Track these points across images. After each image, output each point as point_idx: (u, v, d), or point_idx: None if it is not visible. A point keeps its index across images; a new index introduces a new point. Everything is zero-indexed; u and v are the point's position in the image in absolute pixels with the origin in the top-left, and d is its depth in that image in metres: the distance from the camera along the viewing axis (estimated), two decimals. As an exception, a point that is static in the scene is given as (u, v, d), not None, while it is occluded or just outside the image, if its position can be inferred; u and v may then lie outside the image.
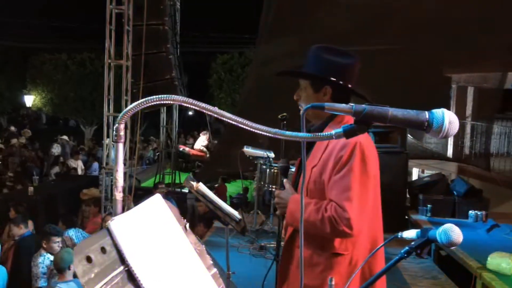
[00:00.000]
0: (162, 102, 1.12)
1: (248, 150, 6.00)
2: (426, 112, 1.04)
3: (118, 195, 1.09)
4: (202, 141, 16.17)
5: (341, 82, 2.06)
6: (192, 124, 24.09)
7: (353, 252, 2.05)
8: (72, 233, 5.88)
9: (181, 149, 13.93)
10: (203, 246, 1.30)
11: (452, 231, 1.42)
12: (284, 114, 3.85)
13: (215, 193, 3.21)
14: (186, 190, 9.80)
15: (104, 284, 0.96)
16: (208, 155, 14.97)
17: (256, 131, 1.10)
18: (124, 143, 1.10)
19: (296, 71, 2.26)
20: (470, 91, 11.14)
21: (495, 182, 8.93)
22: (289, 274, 2.17)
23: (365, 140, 2.00)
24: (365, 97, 2.09)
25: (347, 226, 1.90)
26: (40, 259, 4.80)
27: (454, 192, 6.38)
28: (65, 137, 18.29)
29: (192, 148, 16.19)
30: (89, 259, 0.95)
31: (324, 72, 2.09)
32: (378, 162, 2.09)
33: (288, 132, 1.13)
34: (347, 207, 1.90)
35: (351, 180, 1.94)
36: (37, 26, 25.54)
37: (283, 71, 2.39)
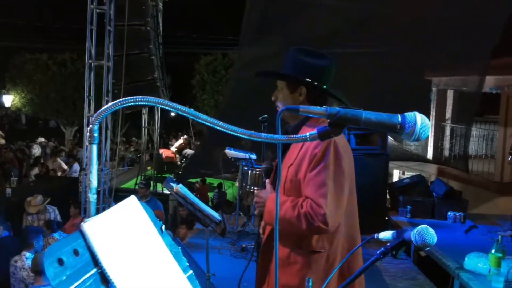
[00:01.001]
0: (137, 103, 1.11)
1: (230, 151, 6.00)
2: (399, 116, 1.06)
3: (92, 197, 1.08)
4: (178, 143, 16.18)
5: (315, 83, 2.10)
6: (175, 125, 23.96)
7: (330, 250, 2.07)
8: (57, 236, 5.81)
9: (160, 152, 13.94)
10: (179, 248, 1.30)
11: (426, 232, 1.44)
12: (265, 116, 3.86)
13: (196, 195, 3.21)
14: (168, 192, 9.75)
15: (76, 287, 0.95)
16: (177, 158, 15.03)
17: (231, 133, 1.11)
18: (100, 144, 1.09)
19: (272, 72, 2.32)
20: (450, 94, 11.32)
21: (473, 184, 9.09)
22: (268, 273, 2.18)
23: (339, 138, 2.04)
24: (340, 98, 2.12)
25: (322, 222, 1.93)
26: (28, 262, 4.69)
27: (434, 193, 6.47)
28: (42, 139, 17.99)
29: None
30: (60, 262, 0.94)
31: (300, 73, 2.13)
32: (352, 161, 2.13)
33: (263, 134, 1.14)
34: (322, 203, 1.93)
35: (326, 176, 1.97)
36: (18, 25, 25.13)
37: (260, 72, 2.41)
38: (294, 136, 1.14)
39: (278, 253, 2.06)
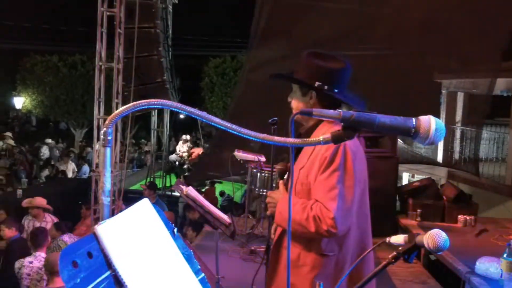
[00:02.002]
0: (150, 106, 1.12)
1: (239, 154, 5.99)
2: (413, 119, 1.05)
3: (105, 200, 1.08)
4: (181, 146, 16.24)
5: (326, 87, 2.09)
6: (184, 127, 24.01)
7: (339, 254, 2.07)
8: (66, 238, 5.82)
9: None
10: (191, 250, 1.30)
11: (439, 237, 1.43)
12: (275, 118, 3.87)
13: (204, 197, 3.21)
14: (177, 194, 9.78)
15: (90, 289, 0.95)
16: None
17: (244, 136, 1.10)
18: (112, 147, 1.10)
19: (283, 74, 2.35)
20: (460, 97, 11.25)
21: (484, 187, 9.01)
22: (277, 275, 2.19)
23: (351, 142, 2.03)
24: (349, 103, 2.11)
25: (331, 225, 1.93)
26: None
27: (444, 196, 6.42)
28: (49, 140, 18.12)
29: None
30: (75, 264, 0.94)
31: (311, 77, 2.14)
32: (365, 165, 2.12)
33: (276, 138, 1.14)
34: (331, 207, 1.93)
35: (336, 180, 1.97)
36: (28, 27, 25.37)
37: (273, 75, 2.42)
38: (308, 139, 1.13)
39: (285, 252, 2.07)
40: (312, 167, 2.05)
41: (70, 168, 14.08)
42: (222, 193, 11.89)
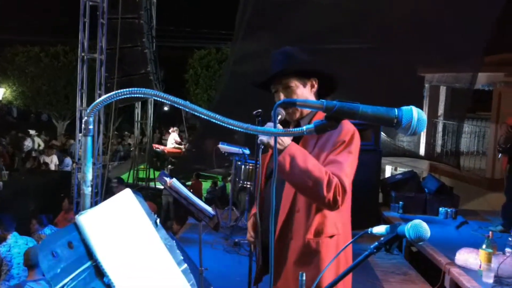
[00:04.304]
0: (133, 95, 1.10)
1: (224, 146, 5.99)
2: (396, 109, 1.06)
3: (86, 190, 1.07)
4: (173, 138, 16.04)
5: (325, 73, 2.09)
6: (168, 120, 23.87)
7: (341, 232, 2.10)
8: (48, 231, 5.76)
9: (156, 149, 13.87)
10: (174, 241, 1.29)
11: (420, 227, 1.45)
12: (259, 110, 3.86)
13: (189, 190, 3.20)
14: (161, 186, 9.74)
15: (70, 279, 0.94)
16: (184, 150, 14.83)
17: (228, 125, 1.10)
18: (93, 137, 1.08)
19: (277, 73, 2.11)
20: (443, 91, 11.37)
21: (465, 180, 9.15)
22: (284, 269, 2.11)
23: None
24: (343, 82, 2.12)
25: (342, 200, 1.92)
26: None
27: (426, 189, 6.52)
28: (32, 131, 17.87)
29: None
30: (55, 254, 0.93)
31: (306, 65, 2.13)
32: None
33: (260, 127, 1.14)
34: (346, 183, 1.94)
35: (350, 160, 1.98)
36: (9, 17, 24.87)
37: (268, 79, 2.17)
38: (291, 129, 1.13)
39: (293, 243, 2.06)
40: (321, 152, 2.01)
41: (53, 161, 13.90)
42: (215, 183, 11.86)
